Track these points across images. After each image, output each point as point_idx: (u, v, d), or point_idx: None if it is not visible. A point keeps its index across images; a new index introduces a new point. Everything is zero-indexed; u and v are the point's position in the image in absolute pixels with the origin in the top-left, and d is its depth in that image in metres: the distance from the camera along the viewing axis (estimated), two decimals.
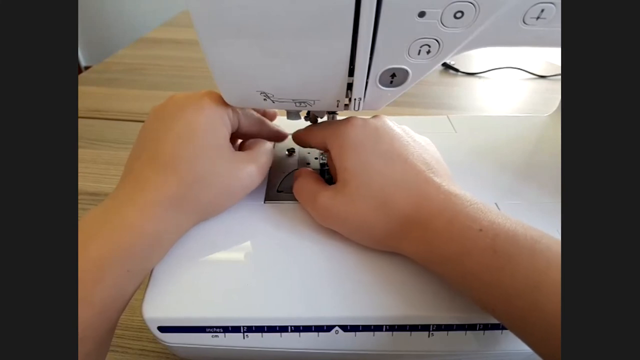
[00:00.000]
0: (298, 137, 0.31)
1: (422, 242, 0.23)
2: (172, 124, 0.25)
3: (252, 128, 0.29)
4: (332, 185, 0.26)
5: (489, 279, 0.20)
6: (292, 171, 0.33)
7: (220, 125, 0.26)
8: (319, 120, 0.31)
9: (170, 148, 0.24)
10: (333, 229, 0.26)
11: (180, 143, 0.24)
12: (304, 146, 0.31)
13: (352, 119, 0.27)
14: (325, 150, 0.28)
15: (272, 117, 0.33)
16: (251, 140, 0.30)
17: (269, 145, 0.30)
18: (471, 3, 0.20)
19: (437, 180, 0.24)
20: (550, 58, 0.75)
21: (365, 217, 0.24)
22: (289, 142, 0.37)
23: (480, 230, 0.21)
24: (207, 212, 0.27)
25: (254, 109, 0.30)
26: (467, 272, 0.21)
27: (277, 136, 0.32)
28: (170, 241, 0.25)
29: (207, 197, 0.25)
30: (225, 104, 0.26)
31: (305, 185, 0.28)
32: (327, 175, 0.33)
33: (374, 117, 0.28)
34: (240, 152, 0.28)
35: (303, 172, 0.29)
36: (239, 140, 0.32)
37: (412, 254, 0.24)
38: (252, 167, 0.27)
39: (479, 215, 0.22)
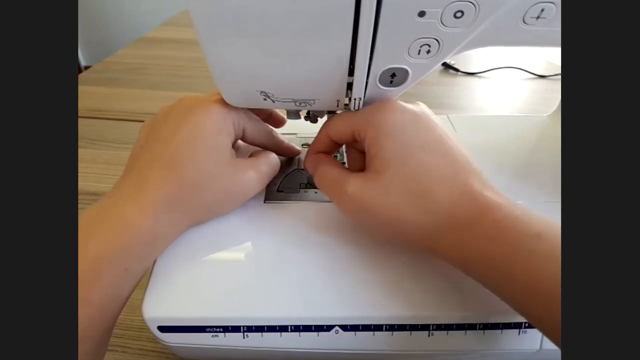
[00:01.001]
0: (312, 162, 0.28)
1: (464, 243, 0.21)
2: (179, 126, 0.24)
3: (258, 138, 0.29)
4: (361, 173, 0.24)
5: (550, 288, 0.18)
6: (292, 171, 0.33)
7: (226, 130, 0.26)
8: (319, 120, 0.31)
9: (174, 149, 0.24)
10: (359, 223, 0.25)
11: (184, 145, 0.24)
12: (312, 170, 0.28)
13: (390, 102, 0.24)
14: (351, 142, 0.26)
15: (279, 123, 0.33)
16: (258, 150, 0.30)
17: (273, 156, 0.29)
18: (471, 3, 0.19)
19: (481, 176, 0.23)
20: (550, 58, 0.75)
21: (399, 211, 0.22)
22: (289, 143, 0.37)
23: (539, 236, 0.19)
24: (205, 214, 0.26)
25: (262, 110, 0.30)
26: (519, 280, 0.19)
27: (286, 151, 0.32)
28: (166, 241, 0.25)
29: (205, 199, 0.25)
30: (234, 109, 0.26)
31: (328, 172, 0.26)
32: None
33: (413, 103, 0.26)
34: (243, 159, 0.27)
35: (323, 159, 0.27)
36: (240, 144, 0.32)
37: (449, 255, 0.22)
38: (252, 173, 0.27)
39: (532, 219, 0.20)
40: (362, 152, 0.26)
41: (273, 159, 0.29)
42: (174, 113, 0.26)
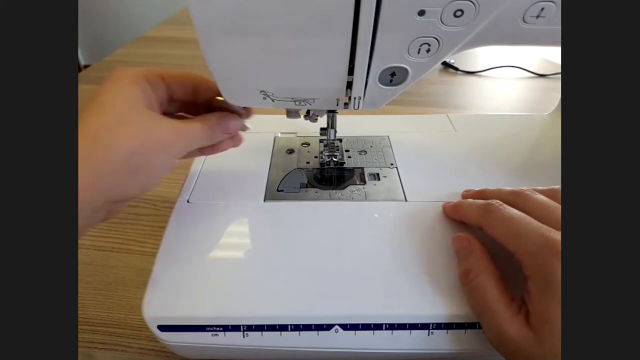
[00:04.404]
0: (460, 213, 0.26)
1: None
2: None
3: (187, 92, 0.27)
4: (525, 323, 0.20)
5: None
6: (292, 170, 0.33)
7: (134, 87, 0.24)
8: (319, 119, 0.31)
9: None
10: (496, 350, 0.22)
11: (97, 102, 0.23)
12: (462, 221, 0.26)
13: (557, 243, 0.20)
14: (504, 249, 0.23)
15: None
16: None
17: (211, 117, 0.27)
18: (471, 2, 0.19)
19: None
20: (550, 57, 0.75)
21: None
22: (289, 142, 0.37)
23: None
24: (126, 172, 0.22)
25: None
26: None
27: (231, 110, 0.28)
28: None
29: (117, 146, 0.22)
30: (145, 73, 0.25)
31: (490, 291, 0.22)
32: (325, 174, 0.33)
33: None
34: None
35: (486, 275, 0.23)
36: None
37: None
38: (170, 121, 0.24)
39: None
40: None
41: (210, 118, 0.27)
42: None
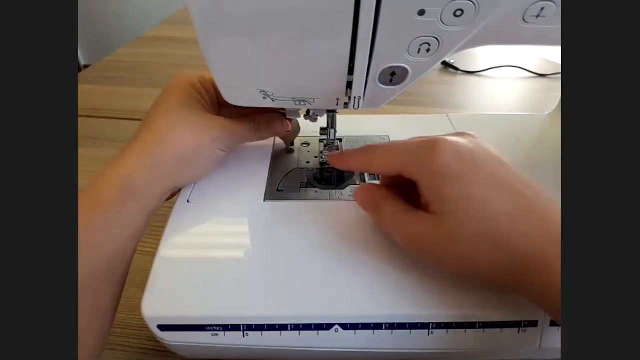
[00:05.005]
0: (350, 160, 0.27)
1: (549, 286, 0.19)
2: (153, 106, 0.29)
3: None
4: (425, 216, 0.22)
5: None
6: (292, 170, 0.33)
7: (192, 91, 0.29)
8: (318, 119, 0.31)
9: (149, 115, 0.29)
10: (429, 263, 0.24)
11: (152, 109, 0.29)
12: (356, 169, 0.28)
13: (439, 140, 0.23)
14: (395, 178, 0.25)
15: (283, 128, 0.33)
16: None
17: (250, 123, 0.30)
18: (471, 1, 0.19)
19: (553, 206, 0.21)
20: (550, 56, 0.75)
21: (470, 259, 0.21)
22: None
23: None
24: (175, 164, 0.27)
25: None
26: None
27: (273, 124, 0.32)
28: (145, 191, 0.26)
29: (170, 147, 0.27)
30: (196, 80, 0.29)
31: (391, 215, 0.24)
32: (325, 173, 0.33)
33: (460, 134, 0.24)
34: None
35: (387, 200, 0.25)
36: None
37: (535, 299, 0.21)
38: (221, 121, 0.28)
39: None
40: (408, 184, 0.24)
41: (249, 123, 0.30)
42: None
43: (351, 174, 0.33)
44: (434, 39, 0.21)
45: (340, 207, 0.29)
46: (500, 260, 0.20)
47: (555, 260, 0.19)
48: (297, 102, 0.26)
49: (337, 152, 0.29)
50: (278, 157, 0.35)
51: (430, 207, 0.22)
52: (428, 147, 0.22)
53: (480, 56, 0.76)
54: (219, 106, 0.31)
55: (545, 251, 0.20)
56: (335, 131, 0.32)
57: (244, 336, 0.23)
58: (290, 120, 0.32)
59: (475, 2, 0.20)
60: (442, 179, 0.22)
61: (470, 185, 0.21)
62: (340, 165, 0.28)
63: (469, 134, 0.24)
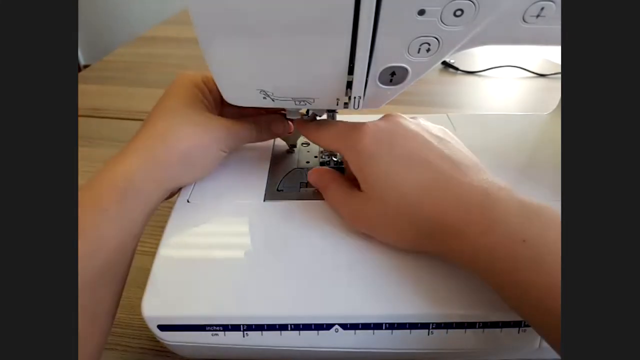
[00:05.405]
0: (304, 129, 0.30)
1: (458, 252, 0.22)
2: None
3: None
4: (358, 194, 0.26)
5: (536, 295, 0.19)
6: (292, 170, 0.33)
7: (194, 91, 0.29)
8: (318, 118, 0.31)
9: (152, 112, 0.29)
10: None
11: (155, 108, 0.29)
12: (308, 139, 0.30)
13: (363, 125, 0.26)
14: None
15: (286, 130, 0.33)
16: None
17: (252, 124, 0.31)
18: (471, 1, 0.19)
19: (465, 179, 0.23)
20: (550, 57, 0.75)
21: (396, 228, 0.24)
22: (289, 142, 0.37)
23: (524, 241, 0.19)
24: (176, 163, 0.27)
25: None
26: (509, 286, 0.20)
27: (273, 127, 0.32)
28: (144, 189, 0.26)
29: (172, 145, 0.27)
30: (199, 79, 0.29)
31: (335, 194, 0.27)
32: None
33: (386, 117, 0.27)
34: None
35: (334, 181, 0.28)
36: None
37: (450, 261, 0.23)
38: (226, 123, 0.29)
39: (523, 225, 0.20)
40: None
41: (250, 124, 0.31)
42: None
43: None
44: (434, 38, 0.21)
45: None
46: (420, 228, 0.23)
47: (462, 227, 0.21)
48: (297, 102, 0.26)
49: (306, 118, 0.30)
50: (278, 157, 0.35)
51: (360, 186, 0.25)
52: (355, 131, 0.26)
53: (480, 56, 0.76)
54: (222, 106, 0.31)
55: (450, 219, 0.22)
56: None
57: (244, 336, 0.23)
58: (291, 121, 0.32)
59: (475, 2, 0.20)
60: (362, 160, 0.25)
61: (385, 164, 0.24)
62: (303, 133, 0.30)
63: (392, 116, 0.27)
